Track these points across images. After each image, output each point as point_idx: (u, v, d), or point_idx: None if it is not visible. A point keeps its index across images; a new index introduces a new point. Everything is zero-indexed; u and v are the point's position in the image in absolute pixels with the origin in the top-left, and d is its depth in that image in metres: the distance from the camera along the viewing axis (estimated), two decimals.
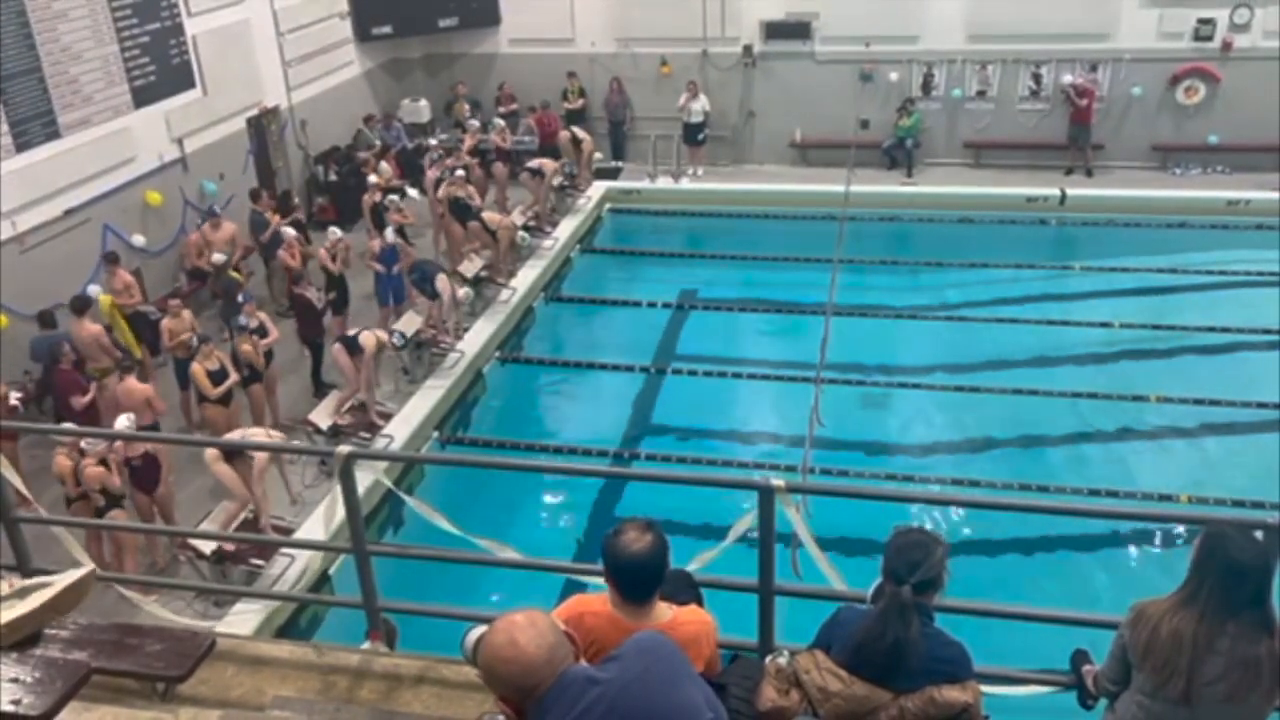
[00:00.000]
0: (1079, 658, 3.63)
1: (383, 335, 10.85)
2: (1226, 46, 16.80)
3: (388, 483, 6.10)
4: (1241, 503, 9.11)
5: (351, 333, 10.73)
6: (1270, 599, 2.94)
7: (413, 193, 15.06)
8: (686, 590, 3.45)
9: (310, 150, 16.44)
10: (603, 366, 12.46)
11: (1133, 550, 9.10)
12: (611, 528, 3.00)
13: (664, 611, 3.01)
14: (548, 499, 10.09)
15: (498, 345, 12.82)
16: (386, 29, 17.95)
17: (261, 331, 10.57)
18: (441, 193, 14.22)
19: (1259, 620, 2.94)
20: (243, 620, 7.65)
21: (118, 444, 8.36)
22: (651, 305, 13.88)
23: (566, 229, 15.60)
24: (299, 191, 15.79)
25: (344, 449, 4.41)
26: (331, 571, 7.80)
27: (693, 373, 12.12)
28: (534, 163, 15.90)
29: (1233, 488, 9.51)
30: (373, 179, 14.33)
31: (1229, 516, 3.77)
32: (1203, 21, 16.73)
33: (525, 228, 14.80)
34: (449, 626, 3.78)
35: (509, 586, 6.95)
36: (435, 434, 10.98)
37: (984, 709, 3.15)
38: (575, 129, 17.37)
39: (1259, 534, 3.25)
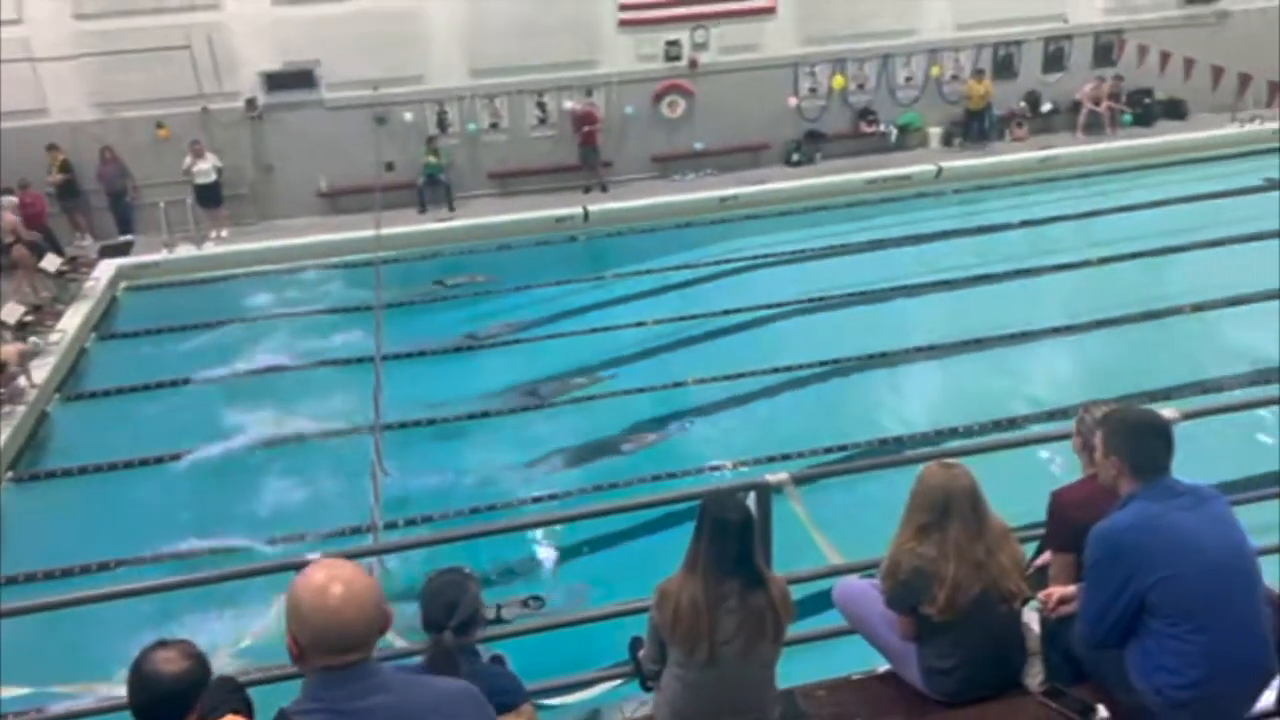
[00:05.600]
0: (635, 644, 3.76)
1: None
2: (694, 64, 18.99)
3: None
4: (788, 455, 10.01)
5: None
6: (756, 553, 3.26)
7: None
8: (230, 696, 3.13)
9: None
10: (144, 462, 11.13)
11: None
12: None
13: None
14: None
15: (10, 463, 11.01)
16: None
17: None
18: None
19: (752, 575, 3.25)
20: None
21: None
22: (189, 383, 12.71)
23: (73, 320, 13.83)
24: None
25: None
26: None
27: (249, 447, 11.24)
28: None
29: (776, 446, 10.46)
30: None
31: (724, 484, 4.16)
32: (670, 43, 18.79)
33: (21, 325, 12.95)
34: None
35: None
36: None
37: None
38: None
39: (751, 494, 3.62)
